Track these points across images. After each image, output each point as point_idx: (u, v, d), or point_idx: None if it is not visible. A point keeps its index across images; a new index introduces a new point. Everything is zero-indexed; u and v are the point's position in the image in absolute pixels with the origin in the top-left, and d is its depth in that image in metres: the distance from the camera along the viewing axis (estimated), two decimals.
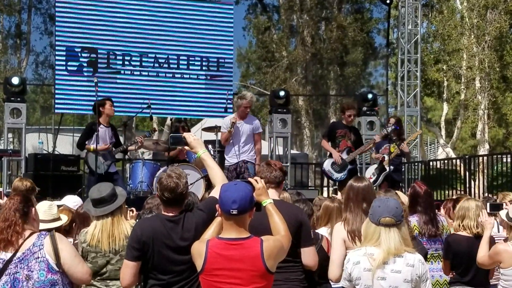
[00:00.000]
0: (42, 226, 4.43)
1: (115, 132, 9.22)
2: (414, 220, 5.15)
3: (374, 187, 8.69)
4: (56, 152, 12.00)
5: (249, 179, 3.58)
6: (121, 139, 9.92)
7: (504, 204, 5.17)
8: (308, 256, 3.99)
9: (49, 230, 4.43)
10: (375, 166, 9.69)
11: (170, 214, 3.64)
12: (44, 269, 3.56)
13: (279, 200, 4.13)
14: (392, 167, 9.42)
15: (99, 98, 9.11)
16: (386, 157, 9.38)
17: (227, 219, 3.28)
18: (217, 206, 3.37)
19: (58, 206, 5.30)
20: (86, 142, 8.78)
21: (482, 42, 21.57)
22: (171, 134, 4.24)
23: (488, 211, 4.98)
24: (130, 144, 9.39)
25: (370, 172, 9.69)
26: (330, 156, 9.48)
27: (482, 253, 4.76)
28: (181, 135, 4.08)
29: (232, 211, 3.22)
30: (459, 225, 5.02)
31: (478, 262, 4.78)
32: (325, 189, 13.86)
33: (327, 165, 9.50)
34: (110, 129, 9.05)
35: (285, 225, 3.43)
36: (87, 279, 3.80)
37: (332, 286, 4.46)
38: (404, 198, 5.47)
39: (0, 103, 14.97)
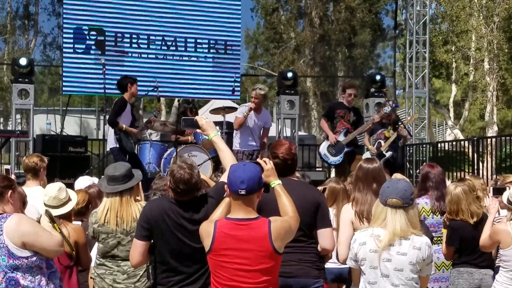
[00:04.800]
0: (52, 212, 4.43)
1: (133, 110, 9.20)
2: (423, 202, 5.13)
3: None
4: (64, 133, 12.04)
5: (258, 160, 3.59)
6: None
7: (507, 188, 5.14)
8: (325, 238, 3.90)
9: (59, 216, 4.38)
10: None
11: (182, 199, 3.64)
12: (5, 254, 3.46)
13: (297, 180, 4.11)
14: (391, 153, 9.29)
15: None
16: (383, 143, 9.24)
17: (235, 199, 3.29)
18: (225, 186, 3.39)
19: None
20: (118, 120, 8.61)
21: (491, 23, 21.38)
22: (183, 117, 4.25)
23: (491, 195, 4.95)
24: (144, 124, 9.33)
25: (362, 155, 9.41)
26: (327, 138, 9.31)
27: (484, 236, 4.74)
28: (193, 118, 4.07)
29: (240, 191, 3.24)
30: (456, 216, 4.95)
31: (480, 244, 4.75)
32: (332, 170, 13.85)
33: (323, 148, 9.30)
34: (131, 107, 9.03)
35: (293, 206, 3.44)
36: (58, 250, 3.65)
37: (327, 266, 4.46)
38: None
39: (8, 84, 15.00)
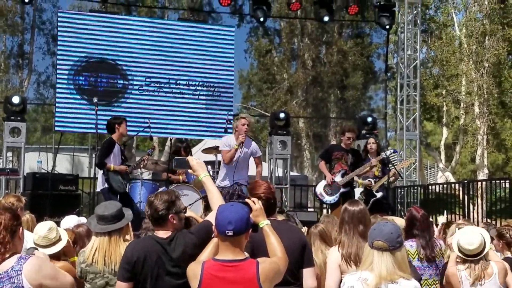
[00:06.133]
0: (41, 251, 4.37)
1: (123, 150, 9.16)
2: (408, 245, 5.11)
3: None
4: (54, 172, 12.00)
5: (247, 200, 3.58)
6: None
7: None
8: (310, 277, 3.89)
9: (49, 256, 4.35)
10: (360, 190, 9.46)
11: (161, 236, 3.64)
12: None
13: (280, 221, 4.11)
14: (382, 193, 9.33)
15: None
16: (373, 182, 9.28)
17: (223, 240, 3.27)
18: (213, 227, 3.37)
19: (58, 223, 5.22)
20: (106, 161, 8.53)
21: (481, 68, 21.72)
22: (175, 157, 4.25)
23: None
24: (138, 163, 9.28)
25: (355, 196, 9.40)
26: (325, 178, 9.38)
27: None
28: (185, 158, 4.09)
29: (228, 232, 3.22)
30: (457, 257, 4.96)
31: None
32: (324, 211, 13.83)
33: (319, 187, 9.38)
34: (120, 148, 8.99)
35: (282, 247, 3.42)
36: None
37: None
38: (400, 222, 5.44)
39: (0, 122, 15.00)
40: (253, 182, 4.12)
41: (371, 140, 9.67)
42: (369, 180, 9.31)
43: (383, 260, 3.37)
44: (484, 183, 12.85)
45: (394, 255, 3.38)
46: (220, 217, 3.27)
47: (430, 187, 13.62)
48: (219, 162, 9.59)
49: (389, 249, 3.38)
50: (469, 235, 4.50)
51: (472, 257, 4.46)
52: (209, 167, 9.70)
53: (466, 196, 11.98)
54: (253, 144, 8.76)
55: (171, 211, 3.67)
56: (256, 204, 3.53)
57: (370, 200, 9.19)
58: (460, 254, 4.49)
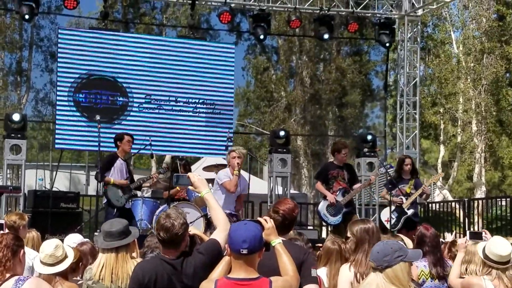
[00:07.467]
0: (47, 270, 4.31)
1: (129, 167, 9.30)
2: (421, 265, 5.09)
3: (394, 231, 8.62)
4: (55, 189, 11.96)
5: (259, 218, 3.59)
6: None
7: (483, 233, 5.19)
8: None
9: (55, 274, 4.31)
10: (391, 208, 9.39)
11: (170, 256, 3.61)
12: None
13: (287, 240, 4.10)
14: (413, 210, 9.30)
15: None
16: (404, 199, 9.26)
17: (236, 258, 3.27)
18: (226, 245, 3.37)
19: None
20: (105, 174, 8.77)
21: (479, 86, 21.84)
22: (175, 174, 4.22)
23: (468, 238, 5.00)
24: (144, 180, 9.38)
25: (385, 215, 9.42)
26: (325, 198, 9.36)
27: (454, 275, 4.75)
28: (185, 175, 4.08)
29: (242, 251, 3.22)
30: (466, 270, 4.98)
31: (449, 283, 4.73)
32: (324, 228, 13.80)
33: (322, 208, 9.35)
34: (126, 164, 9.13)
35: (294, 265, 3.42)
36: None
37: None
38: (407, 242, 5.42)
39: None
40: (282, 198, 4.14)
41: (408, 160, 9.59)
42: (400, 198, 9.29)
43: (374, 278, 3.35)
44: (483, 201, 12.88)
45: (383, 272, 3.32)
46: (234, 236, 3.27)
47: (430, 205, 13.64)
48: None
49: (377, 268, 3.36)
50: (501, 242, 4.52)
51: (503, 265, 4.45)
52: (210, 185, 9.66)
53: (466, 215, 11.99)
54: (246, 180, 8.86)
55: (187, 232, 3.67)
56: (268, 223, 3.54)
57: (401, 217, 9.19)
58: (488, 262, 4.47)
